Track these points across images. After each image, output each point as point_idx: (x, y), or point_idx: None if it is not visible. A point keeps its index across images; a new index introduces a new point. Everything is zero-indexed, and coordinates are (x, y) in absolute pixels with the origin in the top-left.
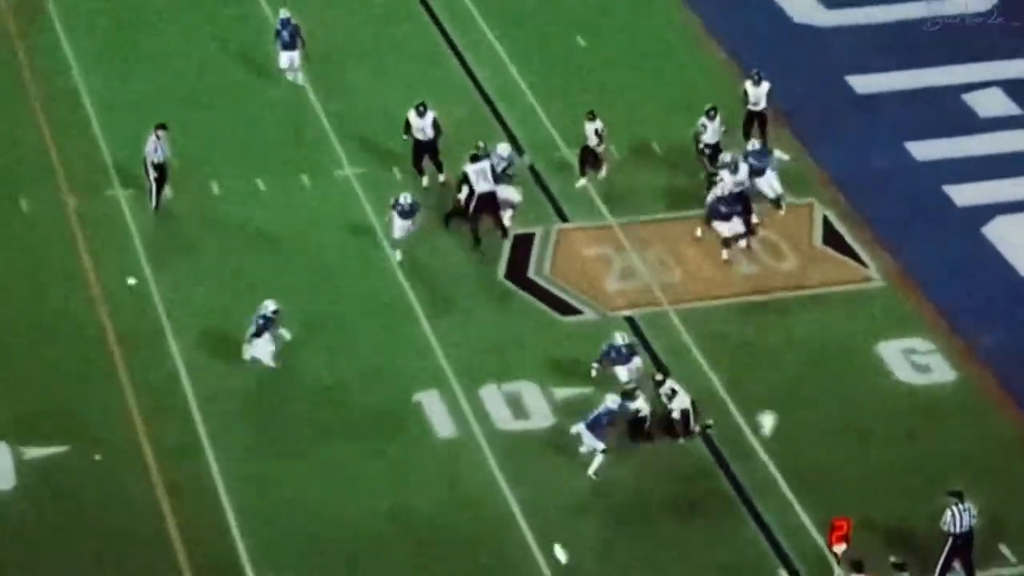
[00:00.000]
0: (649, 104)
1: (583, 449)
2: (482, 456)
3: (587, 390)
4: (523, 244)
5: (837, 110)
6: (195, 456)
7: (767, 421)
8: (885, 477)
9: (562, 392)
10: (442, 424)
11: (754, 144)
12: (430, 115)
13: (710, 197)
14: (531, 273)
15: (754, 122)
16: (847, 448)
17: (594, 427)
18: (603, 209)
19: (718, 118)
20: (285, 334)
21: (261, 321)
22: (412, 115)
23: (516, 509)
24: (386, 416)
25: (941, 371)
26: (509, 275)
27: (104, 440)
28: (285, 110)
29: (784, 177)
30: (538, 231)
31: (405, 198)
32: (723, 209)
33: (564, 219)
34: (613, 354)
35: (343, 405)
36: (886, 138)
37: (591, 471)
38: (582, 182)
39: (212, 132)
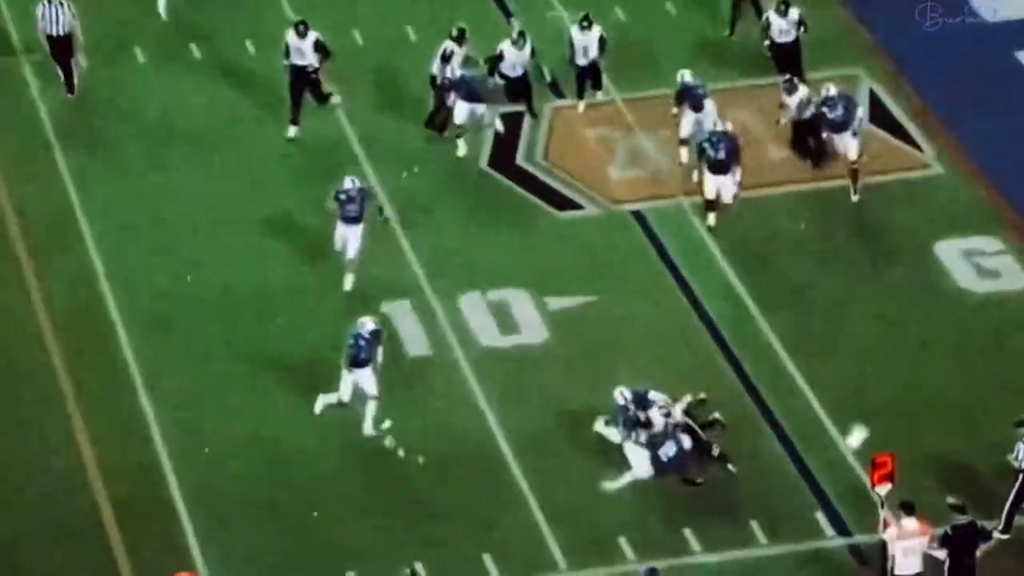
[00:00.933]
0: None
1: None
2: (462, 378)
3: (587, 299)
4: (510, 125)
5: None
6: (120, 380)
7: (856, 436)
8: (941, 403)
9: (558, 302)
10: (414, 340)
11: (829, 89)
12: (312, 36)
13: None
14: (520, 160)
15: None
16: (896, 368)
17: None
18: (606, 81)
19: (791, 13)
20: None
21: (362, 343)
22: (291, 36)
23: (502, 441)
24: (347, 331)
25: (1011, 276)
26: (494, 163)
27: (8, 361)
28: None
29: (819, 41)
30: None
31: (352, 182)
32: (712, 152)
33: (559, 94)
34: (628, 414)
35: (298, 317)
36: None
37: (612, 486)
38: (582, 106)
39: None
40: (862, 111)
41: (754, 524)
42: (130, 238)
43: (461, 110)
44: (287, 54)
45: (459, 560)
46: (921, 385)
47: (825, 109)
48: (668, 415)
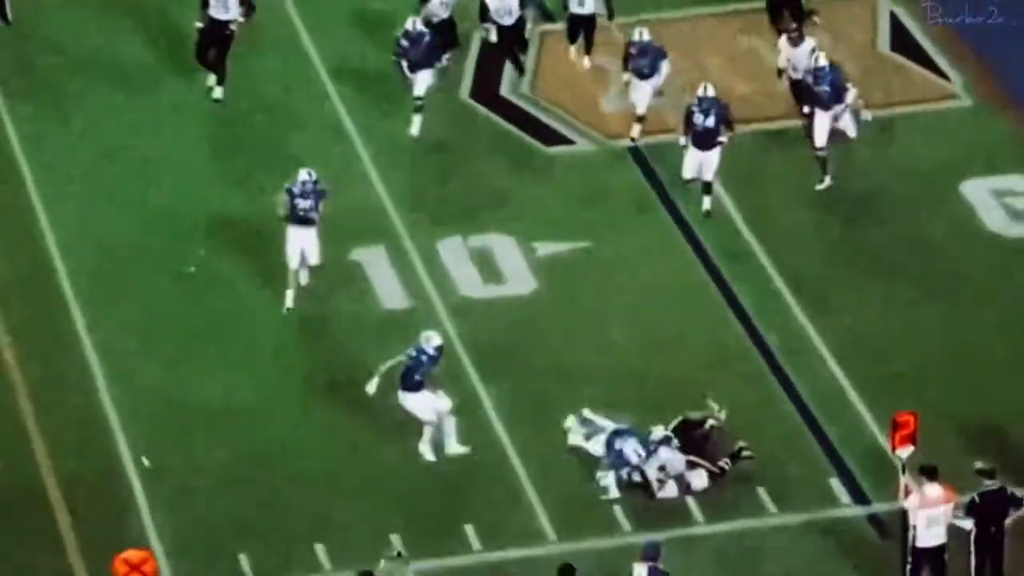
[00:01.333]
0: None
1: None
2: (442, 333)
3: (579, 245)
4: (494, 53)
5: None
6: (66, 340)
7: None
8: (969, 357)
9: (547, 247)
10: (389, 291)
11: (819, 59)
12: None
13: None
14: (505, 91)
15: None
16: (919, 320)
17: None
18: (600, 3)
19: None
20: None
21: (424, 360)
22: None
23: (486, 402)
24: (321, 281)
25: None
26: (475, 94)
27: None
28: None
29: None
30: None
31: (309, 175)
32: (701, 119)
33: (548, 17)
34: (626, 466)
35: (259, 265)
36: None
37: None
38: (573, 51)
39: None
40: (853, 94)
41: (762, 491)
42: (73, 181)
43: (418, 83)
44: (204, 4)
45: (438, 533)
46: (947, 338)
47: (809, 78)
48: (662, 480)
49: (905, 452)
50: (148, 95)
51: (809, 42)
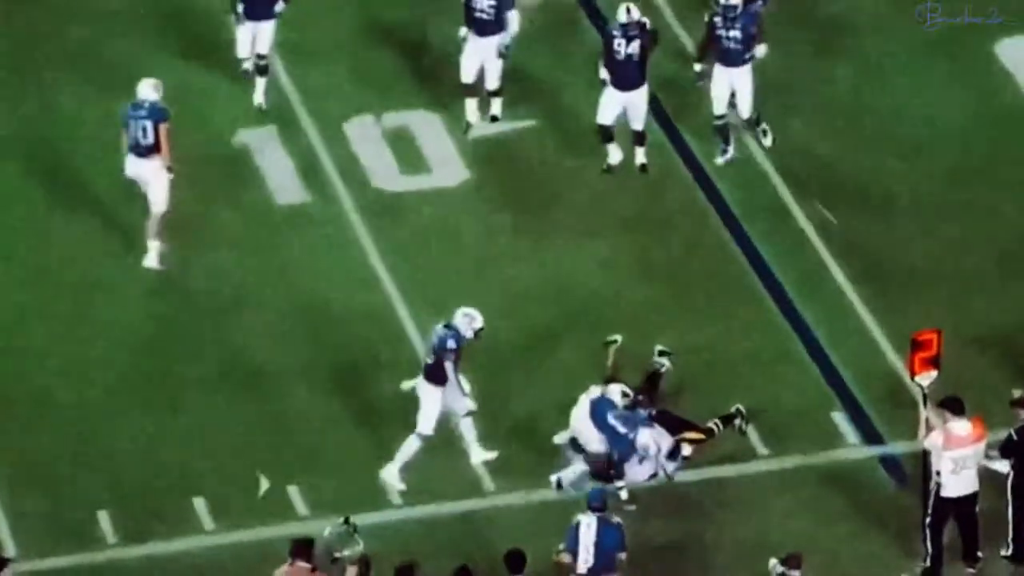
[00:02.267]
0: None
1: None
2: (350, 235)
3: (522, 125)
4: None
5: None
6: None
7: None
8: (1003, 259)
9: (482, 127)
10: (283, 183)
11: None
12: None
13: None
14: None
15: None
16: (944, 209)
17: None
18: None
19: None
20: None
21: (461, 344)
22: None
23: (407, 322)
24: (197, 171)
25: None
26: None
27: None
28: None
29: None
30: None
31: (149, 90)
32: (622, 48)
33: None
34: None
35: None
36: None
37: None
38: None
39: None
40: (764, 50)
41: (750, 429)
42: None
43: (243, 36)
44: None
45: (351, 486)
46: (979, 239)
47: (718, 20)
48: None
49: (926, 379)
50: None
51: None
